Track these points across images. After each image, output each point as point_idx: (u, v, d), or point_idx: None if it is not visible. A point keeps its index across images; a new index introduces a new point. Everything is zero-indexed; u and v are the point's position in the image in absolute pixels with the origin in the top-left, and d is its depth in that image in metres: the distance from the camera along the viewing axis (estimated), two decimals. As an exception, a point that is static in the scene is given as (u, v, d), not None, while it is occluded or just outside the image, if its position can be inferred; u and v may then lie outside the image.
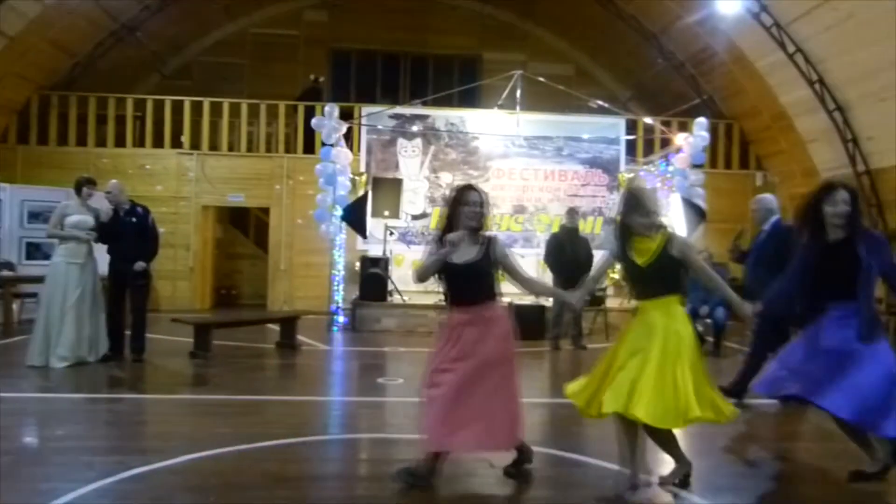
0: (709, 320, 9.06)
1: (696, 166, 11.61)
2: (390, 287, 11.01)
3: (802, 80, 11.65)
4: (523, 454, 4.06)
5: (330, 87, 15.43)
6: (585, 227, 12.36)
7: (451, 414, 3.68)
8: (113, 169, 12.00)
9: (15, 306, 10.25)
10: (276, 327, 8.99)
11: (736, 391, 5.89)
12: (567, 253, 9.23)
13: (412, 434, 4.94)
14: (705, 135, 11.56)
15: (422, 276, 3.89)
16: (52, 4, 10.95)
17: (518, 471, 4.06)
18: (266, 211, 13.36)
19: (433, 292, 11.73)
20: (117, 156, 12.69)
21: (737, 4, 11.32)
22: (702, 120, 11.73)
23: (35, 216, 11.00)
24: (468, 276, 3.81)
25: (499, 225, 12.69)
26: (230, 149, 13.19)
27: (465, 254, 3.80)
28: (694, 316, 9.00)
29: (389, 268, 11.25)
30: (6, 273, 10.34)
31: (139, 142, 12.98)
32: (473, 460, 4.31)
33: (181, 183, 12.86)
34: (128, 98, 13.07)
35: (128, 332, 7.40)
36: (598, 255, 4.29)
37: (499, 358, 3.80)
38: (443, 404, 3.70)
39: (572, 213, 9.85)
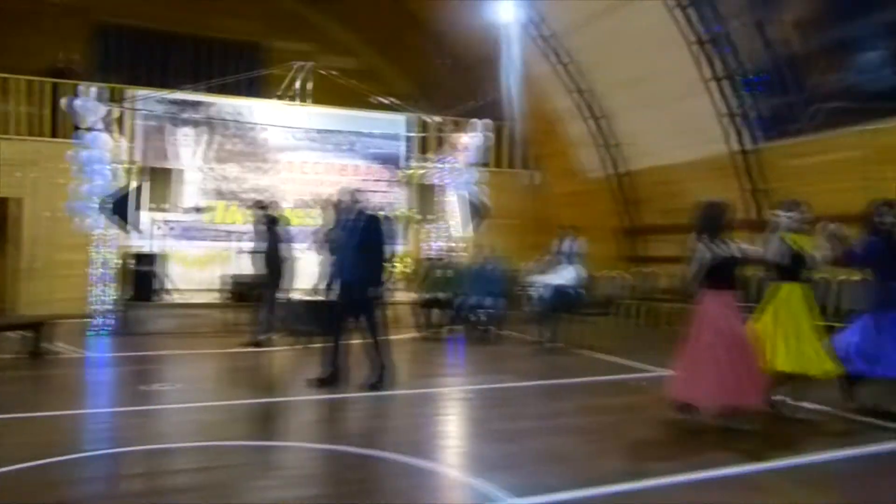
0: (490, 310, 9.52)
1: (477, 165, 12.18)
2: (165, 286, 10.22)
3: (569, 89, 12.75)
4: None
5: (93, 65, 13.94)
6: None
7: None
8: None
9: None
10: (23, 334, 7.87)
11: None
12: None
13: (190, 442, 4.61)
14: (486, 135, 12.17)
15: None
16: None
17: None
18: (5, 202, 11.62)
19: (212, 290, 11.15)
20: None
21: (514, 13, 12.07)
22: (483, 121, 12.33)
23: None
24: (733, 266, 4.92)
25: (288, 219, 12.33)
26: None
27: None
28: (477, 307, 9.44)
29: (164, 265, 10.43)
30: None
31: None
32: (256, 465, 4.12)
33: None
34: None
35: None
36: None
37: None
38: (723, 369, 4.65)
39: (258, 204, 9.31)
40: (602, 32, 11.58)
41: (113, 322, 9.63)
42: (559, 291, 8.73)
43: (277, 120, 12.27)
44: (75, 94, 9.80)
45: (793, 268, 5.12)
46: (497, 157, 14.69)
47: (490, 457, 4.29)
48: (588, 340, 8.91)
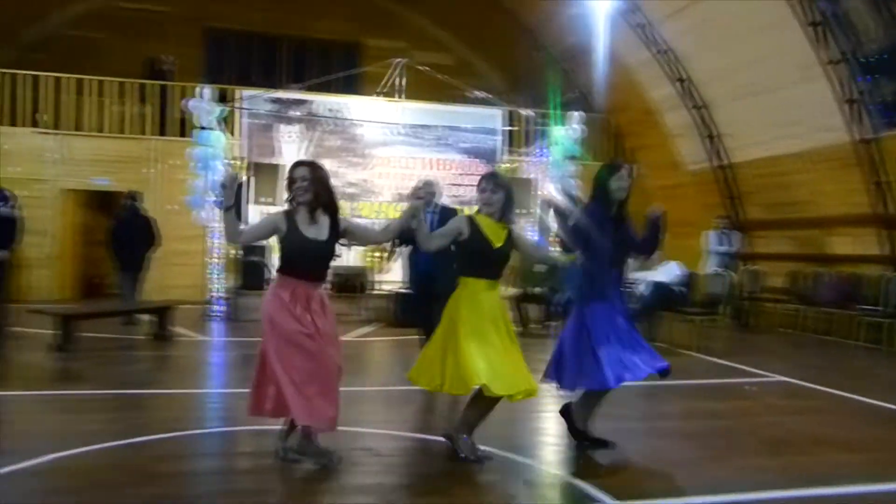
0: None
1: (571, 158, 12.06)
2: (271, 275, 10.72)
3: (668, 78, 12.38)
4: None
5: (204, 68, 14.75)
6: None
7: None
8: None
9: None
10: (150, 318, 8.52)
11: None
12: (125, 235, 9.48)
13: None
14: (579, 127, 12.03)
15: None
16: None
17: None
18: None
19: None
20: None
21: (608, 3, 11.83)
22: (576, 113, 12.20)
23: None
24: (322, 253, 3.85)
25: (378, 213, 12.66)
26: (98, 129, 12.36)
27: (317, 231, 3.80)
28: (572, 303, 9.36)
29: (269, 255, 10.95)
30: None
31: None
32: (356, 449, 4.28)
33: (38, 164, 11.88)
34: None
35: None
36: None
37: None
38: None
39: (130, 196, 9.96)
40: (696, 20, 11.17)
41: (225, 308, 10.21)
42: (661, 289, 8.52)
43: (373, 116, 12.58)
44: (196, 96, 10.46)
45: (474, 259, 3.97)
46: (592, 149, 14.47)
47: (589, 456, 4.25)
48: (692, 341, 8.58)
